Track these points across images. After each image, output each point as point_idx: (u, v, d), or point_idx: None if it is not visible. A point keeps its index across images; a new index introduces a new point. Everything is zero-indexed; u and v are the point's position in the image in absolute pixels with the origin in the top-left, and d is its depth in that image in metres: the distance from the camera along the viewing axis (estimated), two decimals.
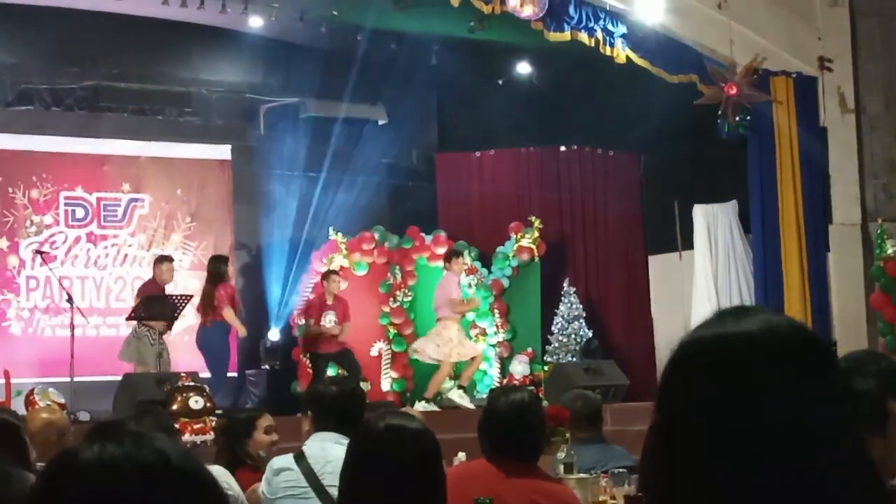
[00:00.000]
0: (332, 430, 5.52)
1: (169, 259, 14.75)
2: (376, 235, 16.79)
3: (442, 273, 15.75)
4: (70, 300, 14.11)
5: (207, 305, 14.42)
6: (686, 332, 1.75)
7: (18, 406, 11.60)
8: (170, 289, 16.09)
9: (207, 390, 12.08)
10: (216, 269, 14.67)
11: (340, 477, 3.71)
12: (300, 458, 5.58)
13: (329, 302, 15.13)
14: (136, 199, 16.59)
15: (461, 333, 15.65)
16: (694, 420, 1.66)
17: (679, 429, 1.68)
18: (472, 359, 15.62)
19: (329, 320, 15.03)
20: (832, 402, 1.67)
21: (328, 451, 5.41)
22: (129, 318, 14.80)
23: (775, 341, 1.67)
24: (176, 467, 1.64)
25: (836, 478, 1.63)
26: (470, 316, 16.69)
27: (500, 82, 17.87)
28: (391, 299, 16.66)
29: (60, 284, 15.03)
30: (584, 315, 16.68)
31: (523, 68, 17.70)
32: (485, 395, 15.44)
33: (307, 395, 6.55)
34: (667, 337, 16.52)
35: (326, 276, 15.36)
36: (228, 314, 14.43)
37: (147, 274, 16.36)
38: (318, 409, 5.82)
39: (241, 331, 14.71)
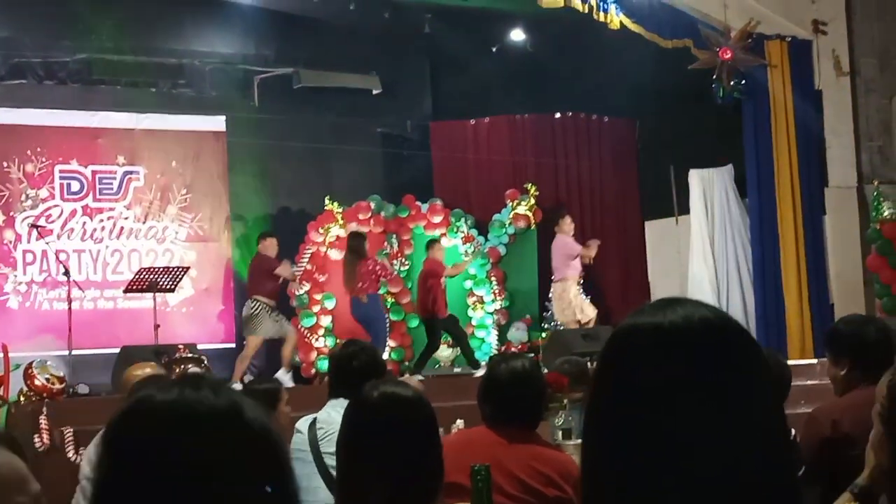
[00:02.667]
0: (347, 396, 5.53)
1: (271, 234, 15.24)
2: (372, 205, 16.79)
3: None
4: (67, 273, 14.11)
5: (350, 280, 14.64)
6: (620, 323, 1.77)
7: (17, 379, 11.63)
8: (165, 260, 16.14)
9: (205, 361, 12.10)
10: (357, 246, 14.79)
11: (337, 446, 3.72)
12: (312, 424, 5.73)
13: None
14: (130, 172, 16.57)
15: (579, 295, 15.79)
16: (619, 408, 1.69)
17: (606, 416, 1.71)
18: None
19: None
20: (754, 394, 1.69)
21: (335, 418, 5.42)
22: (126, 291, 14.84)
23: (701, 336, 1.69)
24: (248, 418, 1.67)
25: (757, 467, 1.65)
26: (467, 284, 16.72)
27: (494, 50, 17.83)
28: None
29: (57, 258, 15.02)
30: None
31: (517, 35, 17.66)
32: (484, 363, 15.51)
33: (329, 362, 6.62)
34: None
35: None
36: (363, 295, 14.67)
37: (143, 246, 16.39)
38: (334, 376, 5.93)
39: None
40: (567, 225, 16.07)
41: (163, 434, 1.63)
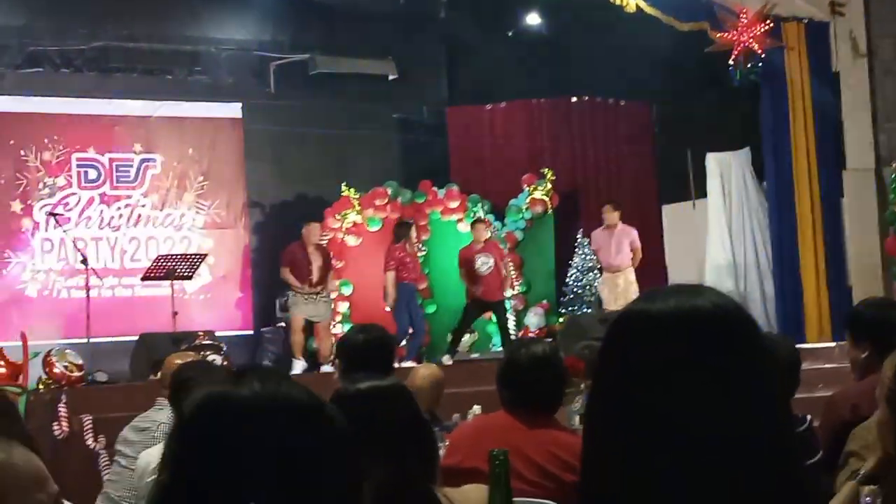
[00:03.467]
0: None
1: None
2: (389, 191, 16.79)
3: (455, 226, 15.81)
4: (85, 261, 14.15)
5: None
6: (625, 306, 1.79)
7: (36, 367, 11.67)
8: (182, 248, 16.17)
9: (224, 348, 12.13)
10: (395, 232, 15.33)
11: None
12: None
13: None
14: (147, 160, 16.60)
15: (629, 282, 15.77)
16: (617, 389, 1.69)
17: (605, 397, 1.72)
18: None
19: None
20: (753, 379, 1.69)
21: None
22: (143, 278, 14.88)
23: (684, 324, 1.70)
24: (329, 414, 1.68)
25: (755, 451, 1.65)
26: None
27: (510, 34, 17.80)
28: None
29: (75, 246, 15.06)
30: (599, 266, 16.67)
31: (533, 19, 17.62)
32: (500, 349, 15.52)
33: (337, 344, 6.52)
34: None
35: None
36: (389, 277, 14.99)
37: (160, 234, 16.42)
38: (345, 358, 5.84)
39: (387, 299, 15.17)
40: (613, 213, 15.89)
41: (252, 427, 1.61)
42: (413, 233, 15.44)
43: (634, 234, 15.82)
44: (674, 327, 1.70)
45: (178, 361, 6.62)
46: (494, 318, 15.55)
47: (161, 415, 6.50)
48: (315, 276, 15.02)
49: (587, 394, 7.10)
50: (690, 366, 1.67)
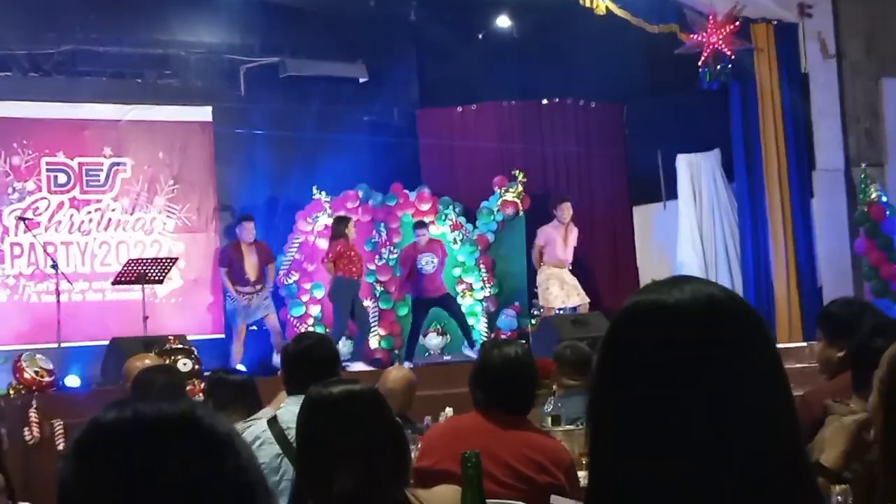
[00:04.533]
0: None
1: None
2: (360, 193, 16.78)
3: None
4: (55, 266, 14.10)
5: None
6: (624, 301, 1.76)
7: (7, 373, 11.62)
8: (153, 252, 16.13)
9: (195, 352, 12.10)
10: (334, 228, 15.44)
11: (298, 443, 3.72)
12: (273, 421, 5.50)
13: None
14: (117, 164, 16.52)
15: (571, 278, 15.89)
16: (624, 386, 1.68)
17: (612, 393, 1.70)
18: None
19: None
20: (760, 371, 1.69)
21: None
22: (114, 283, 14.84)
23: (709, 313, 1.69)
24: (205, 424, 1.66)
25: (764, 445, 1.65)
26: (456, 271, 16.72)
27: (480, 36, 17.80)
28: (377, 257, 16.67)
29: (45, 250, 14.99)
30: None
31: (503, 21, 17.62)
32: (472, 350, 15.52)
33: (281, 355, 6.39)
34: None
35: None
36: (327, 268, 15.23)
37: (131, 238, 16.37)
38: (290, 371, 5.70)
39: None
40: (559, 211, 16.08)
41: (124, 451, 1.61)
42: (352, 228, 15.45)
43: (576, 231, 16.03)
44: (694, 315, 1.69)
45: (139, 364, 6.63)
46: (448, 314, 15.70)
47: None
48: (252, 275, 15.16)
49: (559, 395, 7.12)
50: (711, 354, 1.66)
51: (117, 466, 1.61)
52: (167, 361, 11.53)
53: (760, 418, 1.66)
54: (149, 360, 6.96)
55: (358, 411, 3.57)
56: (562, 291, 15.74)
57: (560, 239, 15.91)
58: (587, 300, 15.86)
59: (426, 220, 16.49)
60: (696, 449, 1.63)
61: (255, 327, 15.76)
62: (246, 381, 7.01)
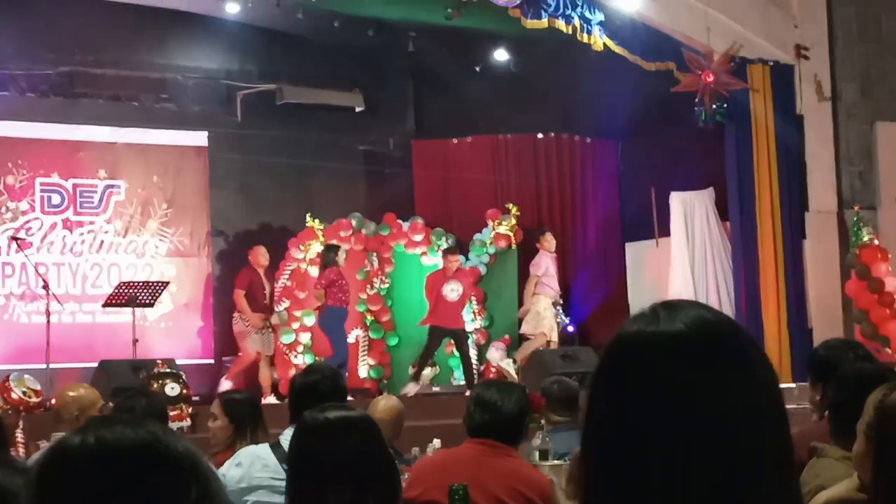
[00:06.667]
0: None
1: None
2: (353, 222, 16.77)
3: (419, 260, 15.86)
4: (46, 287, 14.08)
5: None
6: (628, 328, 1.75)
7: None
8: (145, 275, 16.11)
9: (184, 377, 12.07)
10: (324, 256, 15.44)
11: (290, 469, 3.71)
12: (276, 446, 5.51)
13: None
14: (112, 186, 16.52)
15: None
16: (620, 418, 1.68)
17: (607, 426, 1.70)
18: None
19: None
20: (757, 398, 1.69)
21: None
22: (105, 305, 14.82)
23: (700, 339, 1.69)
24: (167, 446, 1.64)
25: (760, 473, 1.65)
26: None
27: (478, 69, 17.83)
28: (368, 286, 16.65)
29: (36, 271, 14.98)
30: (561, 302, 16.69)
31: (500, 55, 17.66)
32: (462, 382, 15.50)
33: (289, 386, 6.46)
34: None
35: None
36: (316, 295, 15.23)
37: (123, 261, 16.36)
38: (296, 403, 5.69)
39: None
40: (549, 241, 16.15)
41: (86, 478, 1.61)
42: (342, 256, 15.44)
43: (545, 259, 16.10)
44: (697, 343, 1.68)
45: (72, 393, 6.64)
46: (455, 347, 15.62)
47: None
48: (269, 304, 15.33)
49: (547, 430, 7.11)
50: (714, 382, 1.66)
51: (77, 495, 1.60)
52: (155, 385, 11.52)
53: (757, 443, 1.66)
54: (82, 390, 6.94)
55: (352, 438, 3.57)
56: (555, 322, 15.81)
57: (555, 269, 16.03)
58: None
59: (446, 247, 16.49)
60: (698, 477, 1.63)
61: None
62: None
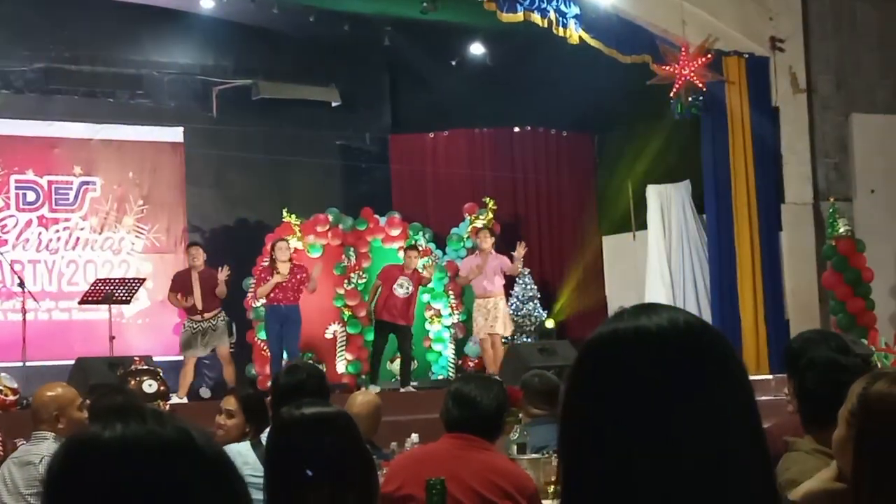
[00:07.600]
0: None
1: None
2: (330, 217, 16.74)
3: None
4: (21, 284, 14.02)
5: None
6: (595, 329, 1.76)
7: None
8: (121, 272, 16.06)
9: (161, 373, 12.03)
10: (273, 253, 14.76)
11: (267, 466, 3.70)
12: (258, 445, 5.51)
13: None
14: (87, 183, 16.47)
15: (499, 309, 15.57)
16: (597, 417, 1.68)
17: (584, 424, 1.70)
18: None
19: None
20: (732, 396, 1.69)
21: None
22: (81, 302, 14.76)
23: (677, 338, 1.69)
24: (199, 446, 1.63)
25: (736, 469, 1.65)
26: (425, 297, 16.69)
27: (454, 63, 17.84)
28: (345, 281, 16.62)
29: (12, 268, 14.92)
30: (539, 296, 16.70)
31: (476, 49, 17.66)
32: (440, 377, 15.48)
33: (271, 385, 6.42)
34: None
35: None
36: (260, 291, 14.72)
37: (99, 257, 16.31)
38: (278, 402, 5.65)
39: None
40: (488, 241, 15.60)
41: (115, 473, 1.59)
42: (283, 253, 15.08)
43: (506, 260, 15.57)
44: (676, 341, 1.69)
45: (49, 393, 6.61)
46: (397, 344, 15.26)
47: (42, 447, 6.36)
48: (200, 304, 14.66)
49: (525, 423, 7.11)
50: (690, 381, 1.67)
51: (105, 488, 1.58)
52: (132, 382, 11.48)
53: (733, 440, 1.67)
54: (60, 389, 6.90)
55: (329, 434, 3.56)
56: (485, 322, 15.40)
57: (476, 269, 15.45)
58: (511, 329, 15.62)
59: (415, 244, 16.18)
60: (678, 476, 1.63)
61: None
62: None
